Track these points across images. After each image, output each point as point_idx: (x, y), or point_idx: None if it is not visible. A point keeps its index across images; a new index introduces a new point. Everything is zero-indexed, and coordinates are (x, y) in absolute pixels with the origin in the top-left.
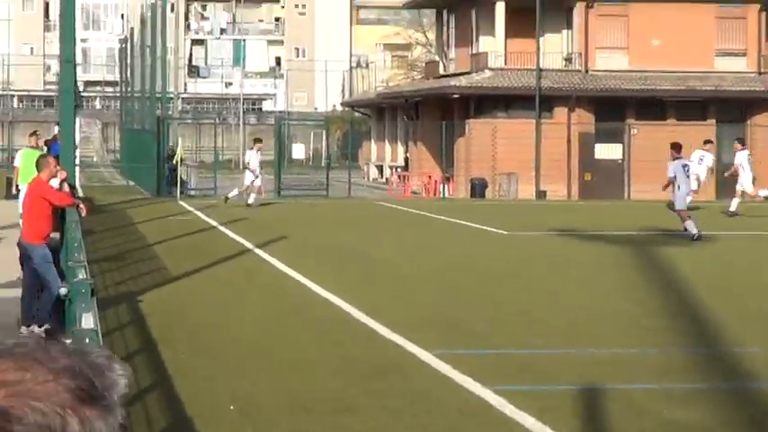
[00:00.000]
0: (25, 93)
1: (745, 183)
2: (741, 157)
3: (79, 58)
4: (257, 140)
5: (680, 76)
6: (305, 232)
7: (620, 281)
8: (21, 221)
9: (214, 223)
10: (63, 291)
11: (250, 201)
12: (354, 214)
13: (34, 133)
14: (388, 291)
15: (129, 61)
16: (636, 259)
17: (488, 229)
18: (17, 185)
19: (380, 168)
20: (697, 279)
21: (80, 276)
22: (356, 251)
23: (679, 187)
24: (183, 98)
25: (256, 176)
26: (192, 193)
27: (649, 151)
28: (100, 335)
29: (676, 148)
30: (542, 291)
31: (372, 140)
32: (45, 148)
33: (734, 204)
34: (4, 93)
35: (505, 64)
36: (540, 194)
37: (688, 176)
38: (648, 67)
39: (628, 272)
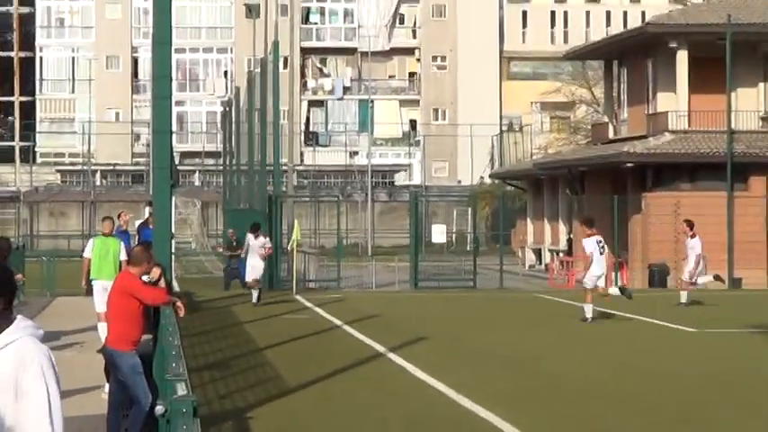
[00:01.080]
0: (110, 167)
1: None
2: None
3: (174, 125)
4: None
5: None
6: (448, 332)
7: None
8: (100, 324)
9: (338, 322)
10: (159, 409)
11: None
12: (508, 309)
13: (108, 218)
14: (558, 408)
15: (233, 128)
16: None
17: (672, 326)
18: (87, 281)
19: (538, 253)
20: None
21: (180, 392)
22: (512, 356)
23: None
24: (298, 171)
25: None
26: (311, 285)
27: None
28: None
29: None
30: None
31: (528, 219)
32: (128, 234)
33: None
34: (85, 167)
35: (689, 125)
36: (734, 283)
37: None
38: None
39: None
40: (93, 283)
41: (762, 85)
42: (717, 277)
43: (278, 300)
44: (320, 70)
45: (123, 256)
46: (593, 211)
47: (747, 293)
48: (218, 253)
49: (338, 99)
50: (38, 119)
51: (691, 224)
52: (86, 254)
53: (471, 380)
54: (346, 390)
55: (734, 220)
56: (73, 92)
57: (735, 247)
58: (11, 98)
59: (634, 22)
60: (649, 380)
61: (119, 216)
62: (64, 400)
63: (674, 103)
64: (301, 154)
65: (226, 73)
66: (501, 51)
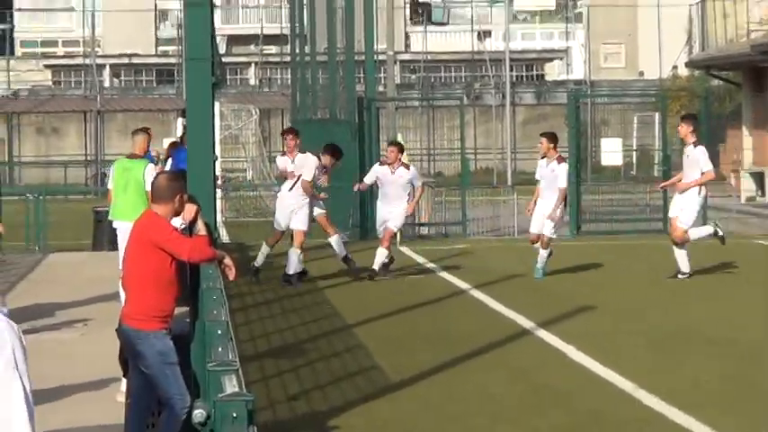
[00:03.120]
0: (124, 60)
1: None
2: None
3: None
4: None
5: None
6: (627, 300)
7: None
8: (121, 291)
9: (463, 285)
10: (199, 414)
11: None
12: (715, 265)
13: (142, 130)
14: None
15: (304, 1)
16: None
17: None
18: (111, 222)
19: (760, 178)
20: None
21: (228, 389)
22: (726, 340)
23: None
24: (402, 62)
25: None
26: (424, 230)
27: None
28: None
29: None
30: None
31: (745, 129)
32: (161, 159)
33: None
34: (89, 61)
35: None
36: None
37: None
38: None
39: None
40: (115, 225)
41: None
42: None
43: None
44: None
45: (149, 187)
46: None
47: None
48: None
49: None
50: None
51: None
52: (109, 185)
53: (665, 373)
54: (479, 386)
55: None
56: None
57: None
58: None
59: None
60: None
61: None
62: (60, 403)
63: None
64: (407, 36)
65: None
66: None
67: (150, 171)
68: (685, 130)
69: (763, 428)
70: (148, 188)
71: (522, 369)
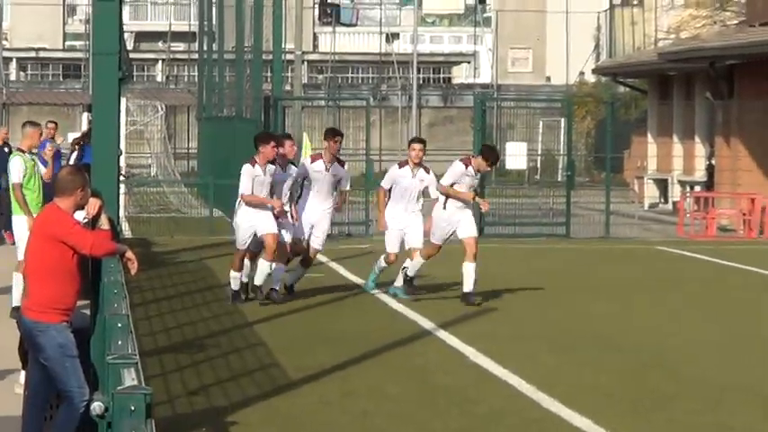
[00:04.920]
0: (31, 55)
1: None
2: None
3: None
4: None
5: None
6: (525, 302)
7: None
8: (16, 275)
9: (362, 282)
10: (98, 407)
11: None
12: (616, 269)
13: (32, 123)
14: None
15: (215, 0)
16: None
17: None
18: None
19: (663, 185)
20: None
21: (127, 381)
22: (621, 341)
23: None
24: (310, 62)
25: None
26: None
27: None
28: None
29: None
30: None
31: (649, 135)
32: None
33: None
34: None
35: None
36: None
37: None
38: None
39: None
40: (13, 218)
41: None
42: None
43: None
44: None
45: (15, 179)
46: (747, 127)
47: None
48: (190, 180)
49: None
50: None
51: None
52: (16, 178)
53: (558, 372)
54: (374, 385)
55: None
56: None
57: None
58: None
59: None
60: None
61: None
62: None
63: None
64: (315, 37)
65: None
66: None
67: (15, 164)
68: None
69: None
70: (15, 180)
71: (422, 369)
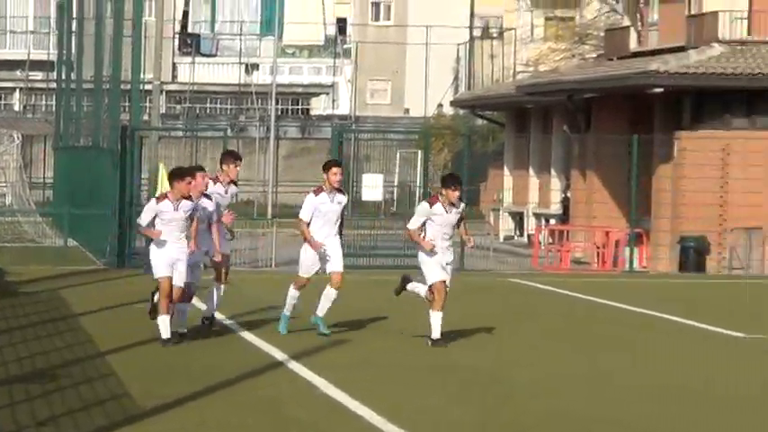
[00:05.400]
0: None
1: None
2: None
3: None
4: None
5: None
6: (379, 333)
7: None
8: None
9: (219, 316)
10: None
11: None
12: (472, 302)
13: None
14: None
15: (73, 28)
16: None
17: (710, 328)
18: None
19: (519, 218)
20: None
21: None
22: (484, 374)
23: None
24: (169, 92)
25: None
26: None
27: None
28: None
29: None
30: None
31: (506, 168)
32: None
33: None
34: None
35: (749, 33)
36: None
37: None
38: None
39: None
40: None
41: None
42: None
43: (130, 280)
44: None
45: None
46: (602, 160)
47: None
48: (46, 209)
49: None
50: None
51: None
52: None
53: (410, 405)
54: (225, 418)
55: None
56: None
57: None
58: None
59: None
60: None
61: None
62: None
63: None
64: (174, 66)
65: None
66: None
67: None
68: None
69: None
70: None
71: (273, 401)
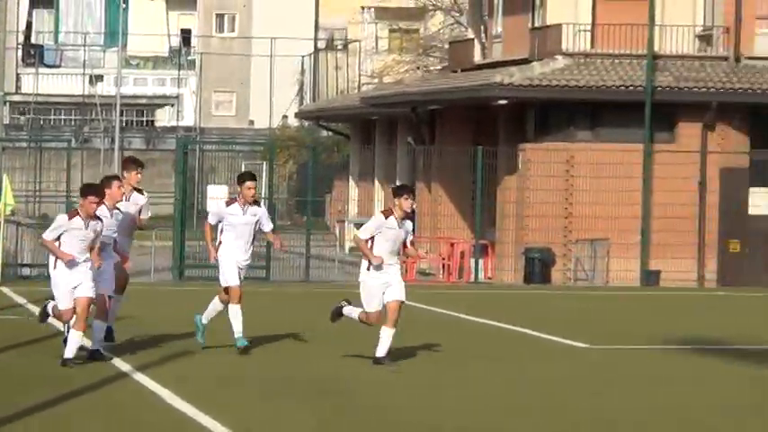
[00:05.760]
0: None
1: None
2: None
3: None
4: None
5: None
6: (226, 345)
7: None
8: None
9: (61, 327)
10: None
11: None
12: (316, 313)
13: None
14: None
15: None
16: None
17: (554, 339)
18: None
19: None
20: None
21: None
22: (327, 385)
23: None
24: (12, 103)
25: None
26: (26, 272)
27: None
28: None
29: None
30: None
31: (351, 180)
32: None
33: None
34: None
35: (593, 46)
36: (650, 277)
37: None
38: None
39: None
40: None
41: None
42: None
43: None
44: None
45: None
46: (447, 172)
47: (668, 293)
48: None
49: None
50: None
51: None
52: None
53: (263, 417)
54: (68, 426)
55: (652, 186)
56: None
57: (652, 225)
58: None
59: None
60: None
61: None
62: None
63: (572, 12)
64: (17, 77)
65: None
66: None
67: None
68: None
69: None
70: None
71: (117, 409)
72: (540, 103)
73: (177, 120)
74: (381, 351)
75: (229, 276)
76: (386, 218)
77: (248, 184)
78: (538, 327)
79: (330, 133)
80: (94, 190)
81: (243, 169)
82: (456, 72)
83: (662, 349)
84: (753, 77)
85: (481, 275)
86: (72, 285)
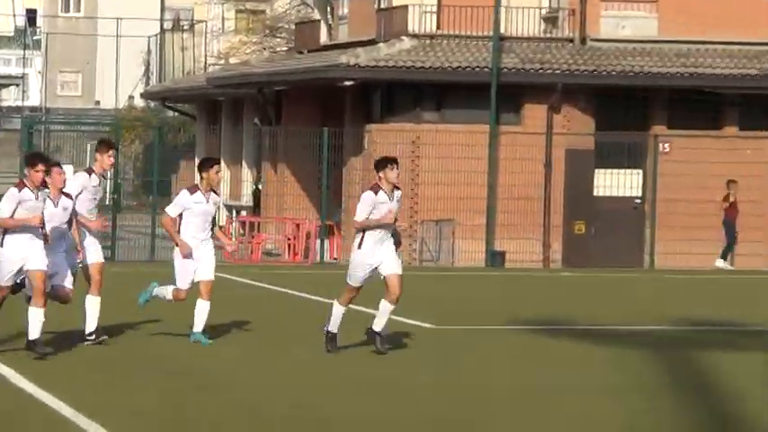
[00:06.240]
0: None
1: None
2: None
3: None
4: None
5: (749, 51)
6: (71, 325)
7: (634, 420)
8: None
9: None
10: None
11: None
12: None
13: None
14: None
15: None
16: (665, 378)
17: (401, 319)
18: None
19: None
20: None
21: None
22: (180, 365)
23: None
24: None
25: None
26: None
27: (691, 183)
28: None
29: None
30: None
31: (197, 160)
32: None
33: None
34: None
35: (439, 27)
36: (495, 258)
37: None
38: (694, 36)
39: (646, 401)
40: None
41: None
42: None
43: None
44: None
45: None
46: (293, 152)
47: (512, 274)
48: None
49: None
50: None
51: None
52: None
53: (100, 397)
54: None
55: (498, 167)
56: None
57: (497, 206)
58: None
59: None
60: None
61: None
62: None
63: None
64: None
65: None
66: None
67: None
68: None
69: None
70: None
71: None
72: (386, 85)
73: (23, 100)
74: (379, 325)
75: (183, 280)
76: (375, 193)
77: (217, 167)
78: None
79: (176, 114)
80: (44, 160)
81: (89, 150)
82: (302, 53)
83: (507, 329)
84: (598, 59)
85: (327, 256)
86: (20, 261)
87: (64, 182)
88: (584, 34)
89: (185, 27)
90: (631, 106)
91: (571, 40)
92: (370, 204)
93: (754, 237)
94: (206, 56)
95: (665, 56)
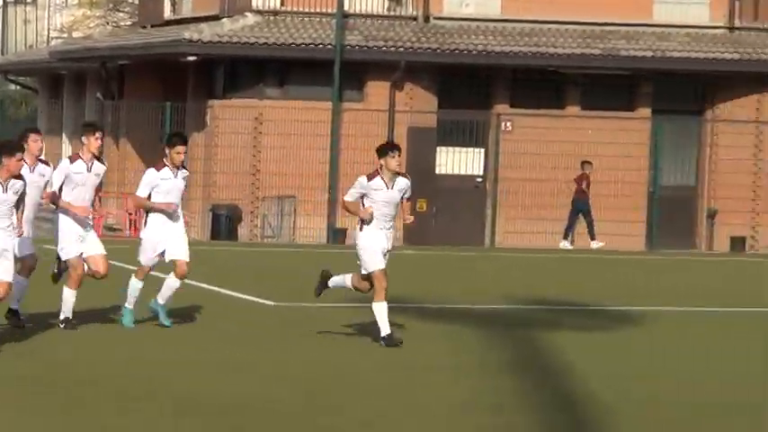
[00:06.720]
0: None
1: None
2: None
3: None
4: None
5: (593, 31)
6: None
7: (475, 397)
8: None
9: None
10: None
11: None
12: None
13: None
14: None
15: None
16: (503, 354)
17: (241, 296)
18: None
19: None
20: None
21: None
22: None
23: None
24: None
25: None
26: None
27: (533, 162)
28: None
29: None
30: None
31: (40, 135)
32: None
33: None
34: None
35: (282, 4)
36: (337, 235)
37: None
38: (537, 15)
39: (486, 380)
40: None
41: None
42: None
43: None
44: None
45: None
46: (135, 128)
47: (352, 251)
48: None
49: None
50: None
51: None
52: None
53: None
54: None
55: (340, 144)
56: None
57: (340, 183)
58: None
59: None
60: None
61: None
62: None
63: None
64: None
65: None
66: None
67: None
68: None
69: None
70: None
71: None
72: (230, 61)
73: None
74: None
75: (148, 258)
76: (369, 180)
77: (178, 148)
78: (224, 284)
79: (18, 87)
80: (18, 147)
81: None
82: (146, 28)
83: (347, 307)
84: (441, 38)
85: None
86: None
87: (40, 149)
88: (427, 12)
89: (29, 0)
90: (474, 85)
91: (414, 18)
92: (362, 188)
93: (610, 216)
94: (49, 29)
95: (508, 35)
